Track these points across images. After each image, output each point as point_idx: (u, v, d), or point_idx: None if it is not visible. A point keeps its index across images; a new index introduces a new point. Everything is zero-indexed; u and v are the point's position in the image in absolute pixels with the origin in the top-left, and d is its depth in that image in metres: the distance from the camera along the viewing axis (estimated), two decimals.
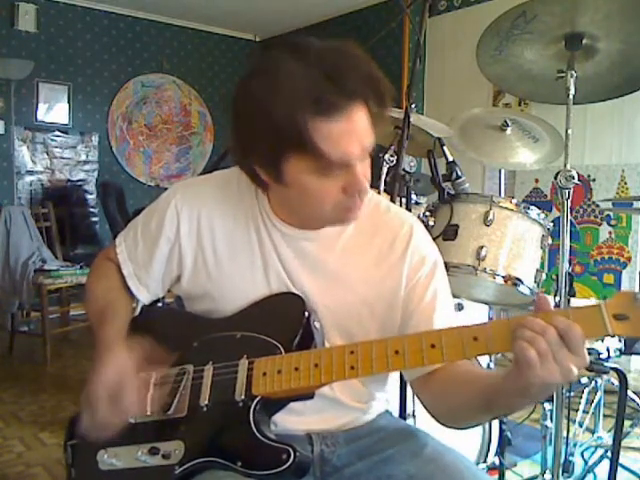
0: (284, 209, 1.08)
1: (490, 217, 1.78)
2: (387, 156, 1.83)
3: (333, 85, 0.90)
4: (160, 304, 1.26)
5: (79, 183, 5.50)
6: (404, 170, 1.76)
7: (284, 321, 1.03)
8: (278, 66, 0.93)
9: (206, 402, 1.00)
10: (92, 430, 0.98)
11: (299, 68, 0.91)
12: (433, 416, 1.05)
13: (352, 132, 0.93)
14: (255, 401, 0.97)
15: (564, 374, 0.79)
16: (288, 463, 0.92)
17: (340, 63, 0.91)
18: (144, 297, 1.16)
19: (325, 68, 0.90)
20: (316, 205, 1.00)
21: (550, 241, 1.89)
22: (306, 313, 1.02)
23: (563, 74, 1.70)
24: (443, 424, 1.04)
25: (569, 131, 1.71)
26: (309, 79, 0.90)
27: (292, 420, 1.06)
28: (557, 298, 1.74)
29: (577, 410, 2.40)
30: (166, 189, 1.19)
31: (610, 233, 3.82)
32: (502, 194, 2.46)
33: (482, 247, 1.76)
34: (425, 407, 1.07)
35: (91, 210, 5.46)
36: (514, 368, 0.82)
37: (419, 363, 0.89)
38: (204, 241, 1.11)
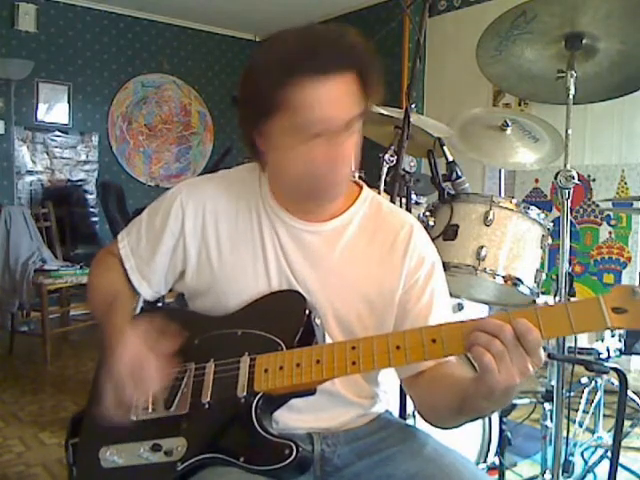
0: (279, 184, 1.11)
1: (490, 217, 1.78)
2: (387, 156, 1.83)
3: (321, 51, 0.95)
4: (160, 304, 1.26)
5: (79, 183, 5.50)
6: (404, 170, 1.76)
7: (285, 318, 1.04)
8: (276, 35, 1.01)
9: (208, 399, 1.01)
10: (117, 411, 0.97)
11: (293, 35, 0.99)
12: (419, 413, 1.08)
13: (334, 98, 0.97)
14: (257, 397, 0.97)
15: (522, 373, 0.82)
16: (290, 459, 0.92)
17: (332, 35, 0.98)
18: (145, 291, 1.17)
19: (317, 38, 0.97)
20: (296, 170, 1.02)
21: (550, 241, 1.89)
22: (307, 310, 1.03)
23: (563, 74, 1.70)
24: (427, 422, 1.06)
25: (569, 131, 1.71)
26: (300, 44, 0.96)
27: (293, 418, 1.07)
28: (557, 298, 1.74)
29: (577, 410, 2.39)
30: (166, 189, 1.21)
31: (610, 233, 3.82)
32: (502, 194, 2.46)
33: (482, 247, 1.76)
34: (412, 401, 1.10)
35: (91, 210, 5.46)
36: (477, 373, 0.84)
37: (420, 358, 0.90)
38: (208, 237, 1.12)
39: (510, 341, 0.81)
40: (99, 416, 0.98)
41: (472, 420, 0.98)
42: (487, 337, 0.82)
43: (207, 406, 1.00)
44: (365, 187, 1.18)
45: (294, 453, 0.93)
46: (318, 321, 1.05)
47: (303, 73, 0.94)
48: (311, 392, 0.98)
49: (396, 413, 1.55)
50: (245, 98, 1.03)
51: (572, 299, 1.77)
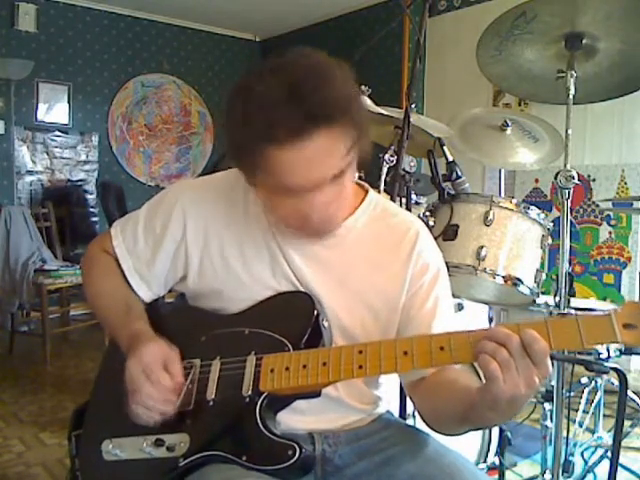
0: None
1: (490, 217, 1.78)
2: (387, 156, 1.83)
3: (292, 108, 0.87)
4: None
5: (79, 183, 5.50)
6: (404, 170, 1.76)
7: (293, 319, 1.04)
8: (246, 83, 0.93)
9: (213, 396, 1.01)
10: (142, 408, 0.98)
11: (262, 89, 0.90)
12: (422, 418, 1.07)
13: (309, 160, 0.91)
14: (262, 397, 0.97)
15: (528, 385, 0.81)
16: (293, 459, 0.93)
17: (307, 84, 0.88)
18: (144, 294, 1.16)
19: (290, 89, 0.88)
20: (283, 220, 1.03)
21: (550, 241, 1.89)
22: (315, 312, 1.03)
23: (563, 74, 1.70)
24: (429, 427, 1.06)
25: (569, 131, 1.71)
26: (268, 101, 0.88)
27: (295, 419, 1.06)
28: (557, 298, 1.74)
29: (577, 410, 2.39)
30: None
31: (610, 233, 3.82)
32: (502, 194, 2.46)
33: (482, 247, 1.76)
34: (414, 406, 1.09)
35: (91, 210, 5.45)
36: (484, 383, 0.84)
37: (427, 364, 0.90)
38: (211, 243, 1.11)
39: (517, 350, 0.81)
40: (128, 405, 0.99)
41: (476, 429, 0.98)
42: (494, 345, 0.82)
43: (211, 403, 1.01)
44: (370, 191, 1.16)
45: (297, 454, 0.93)
46: (326, 324, 1.05)
47: (278, 138, 0.89)
48: (316, 394, 0.98)
49: (396, 413, 1.55)
50: (228, 150, 1.00)
51: (572, 299, 1.77)
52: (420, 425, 1.17)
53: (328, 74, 0.91)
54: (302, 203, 0.97)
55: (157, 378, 0.97)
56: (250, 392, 0.98)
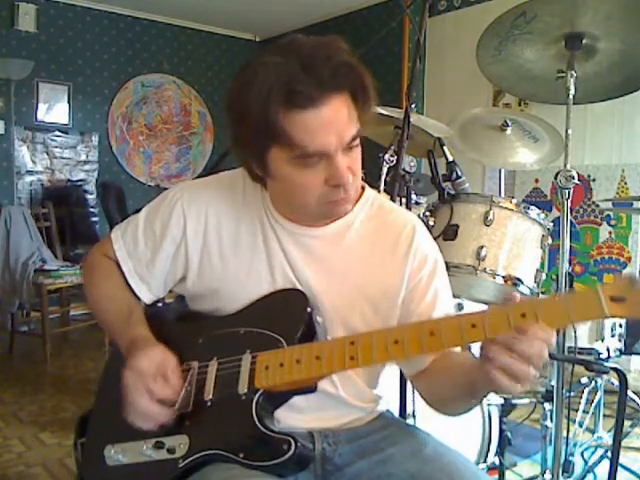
0: (281, 204, 1.10)
1: (490, 217, 1.78)
2: (387, 156, 1.83)
3: (308, 76, 0.92)
4: (160, 304, 1.26)
5: (79, 183, 5.50)
6: (404, 170, 1.76)
7: (287, 316, 1.04)
8: (258, 60, 0.97)
9: (210, 397, 1.01)
10: (139, 415, 0.98)
11: (276, 61, 0.94)
12: (427, 403, 1.08)
13: (328, 123, 0.94)
14: (258, 394, 0.98)
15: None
16: (289, 453, 0.93)
17: (318, 54, 0.94)
18: (145, 295, 1.16)
19: (302, 60, 0.93)
20: (301, 197, 1.02)
21: (550, 241, 1.89)
22: (308, 308, 1.04)
23: (563, 74, 1.70)
24: (436, 409, 1.07)
25: (569, 131, 1.71)
26: (284, 71, 0.92)
27: (295, 418, 1.07)
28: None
29: (577, 410, 2.39)
30: (166, 189, 1.19)
31: (610, 233, 3.82)
32: (502, 194, 2.46)
33: (482, 247, 1.76)
34: (420, 395, 1.11)
35: (91, 210, 5.45)
36: (489, 383, 0.84)
37: (418, 351, 0.90)
38: (210, 242, 1.11)
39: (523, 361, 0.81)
40: (126, 412, 0.99)
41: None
42: (508, 360, 0.81)
43: (209, 404, 1.01)
44: (367, 188, 1.17)
45: (293, 448, 0.93)
46: (319, 319, 1.05)
47: (298, 103, 0.92)
48: (312, 389, 0.99)
49: (396, 413, 1.55)
50: (236, 130, 1.01)
51: None
52: (420, 425, 1.17)
53: (334, 45, 0.96)
54: (324, 171, 0.98)
55: (150, 389, 0.97)
56: (246, 390, 0.99)
